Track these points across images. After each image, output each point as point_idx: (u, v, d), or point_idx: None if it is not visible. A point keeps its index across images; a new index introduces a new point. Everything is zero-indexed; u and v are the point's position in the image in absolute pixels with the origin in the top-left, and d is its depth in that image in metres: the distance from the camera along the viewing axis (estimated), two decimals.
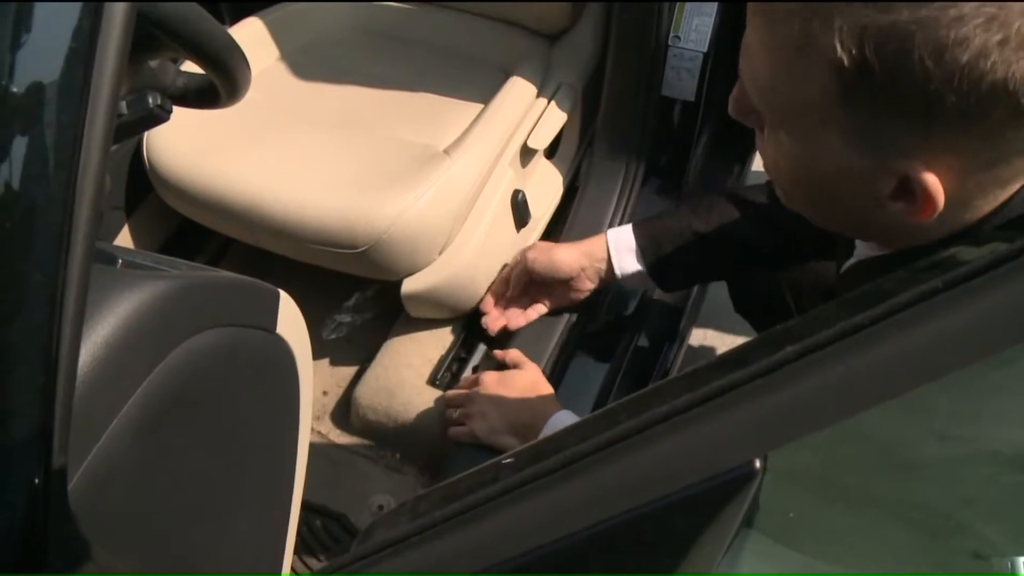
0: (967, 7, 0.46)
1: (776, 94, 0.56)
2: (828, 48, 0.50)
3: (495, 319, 1.24)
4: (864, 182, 0.57)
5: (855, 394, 0.34)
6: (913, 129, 0.51)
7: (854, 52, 0.49)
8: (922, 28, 0.47)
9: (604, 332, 1.30)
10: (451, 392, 1.19)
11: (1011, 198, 0.57)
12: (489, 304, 1.26)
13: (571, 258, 1.17)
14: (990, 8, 0.46)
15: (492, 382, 1.12)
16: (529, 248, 1.21)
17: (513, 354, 1.17)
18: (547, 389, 1.12)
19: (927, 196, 0.54)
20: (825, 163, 0.57)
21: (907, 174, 0.54)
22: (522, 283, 1.22)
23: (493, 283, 1.29)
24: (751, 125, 0.63)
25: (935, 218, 0.56)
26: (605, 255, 1.15)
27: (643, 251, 1.14)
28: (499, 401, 1.10)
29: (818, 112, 0.54)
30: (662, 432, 0.36)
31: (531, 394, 1.10)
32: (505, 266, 1.28)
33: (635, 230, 1.14)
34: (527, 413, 1.07)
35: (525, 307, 1.24)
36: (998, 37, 0.46)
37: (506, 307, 1.25)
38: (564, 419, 1.04)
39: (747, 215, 1.10)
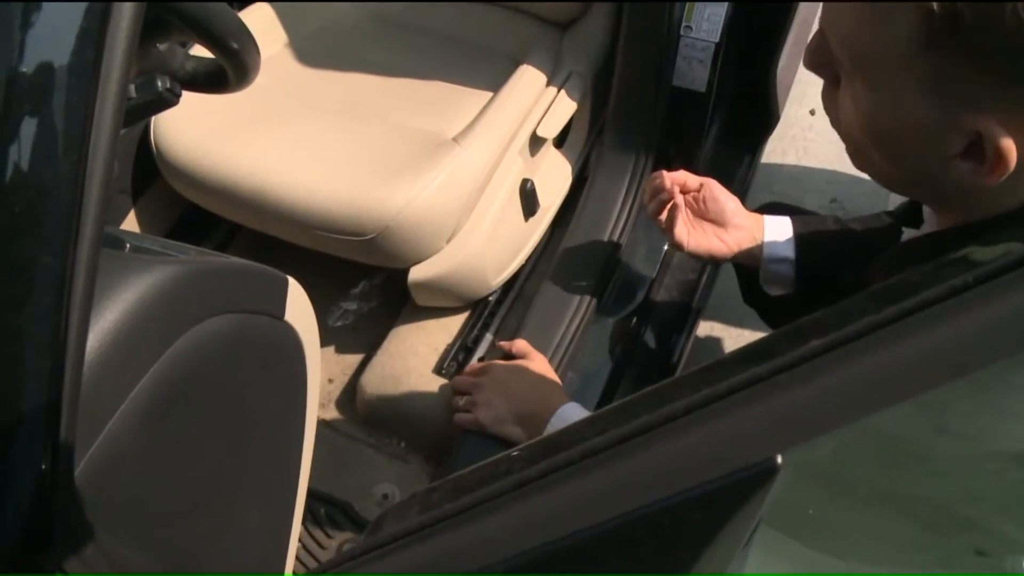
0: None
1: (859, 40, 0.56)
2: None
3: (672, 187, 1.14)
4: (934, 138, 0.56)
5: (881, 390, 0.34)
6: (993, 83, 0.51)
7: None
8: None
9: (611, 323, 1.30)
10: (457, 379, 1.19)
11: None
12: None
13: (741, 215, 1.11)
14: None
15: (499, 371, 1.12)
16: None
17: (520, 344, 1.17)
18: (554, 380, 1.12)
19: (998, 155, 0.53)
20: (897, 115, 0.57)
21: (979, 131, 0.53)
22: (691, 188, 1.14)
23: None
24: (825, 78, 0.62)
25: (1003, 185, 0.55)
26: (761, 233, 1.09)
27: (797, 237, 1.08)
28: (506, 390, 1.09)
29: (899, 59, 0.53)
30: (682, 426, 0.36)
31: (538, 384, 1.10)
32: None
33: (793, 222, 1.09)
34: (534, 403, 1.07)
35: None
36: None
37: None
38: (571, 411, 1.04)
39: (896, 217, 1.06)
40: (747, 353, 0.38)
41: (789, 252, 1.07)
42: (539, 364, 1.13)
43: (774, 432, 0.35)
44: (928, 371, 0.33)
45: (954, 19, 0.49)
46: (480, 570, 0.38)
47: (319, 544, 1.18)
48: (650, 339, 1.31)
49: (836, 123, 0.63)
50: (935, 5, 0.49)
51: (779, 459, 0.34)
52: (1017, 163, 0.53)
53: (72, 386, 0.51)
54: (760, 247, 1.09)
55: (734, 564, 0.42)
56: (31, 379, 0.50)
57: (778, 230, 1.09)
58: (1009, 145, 0.52)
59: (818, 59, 0.61)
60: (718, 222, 1.11)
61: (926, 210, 0.71)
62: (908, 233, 0.74)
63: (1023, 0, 0.47)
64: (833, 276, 1.06)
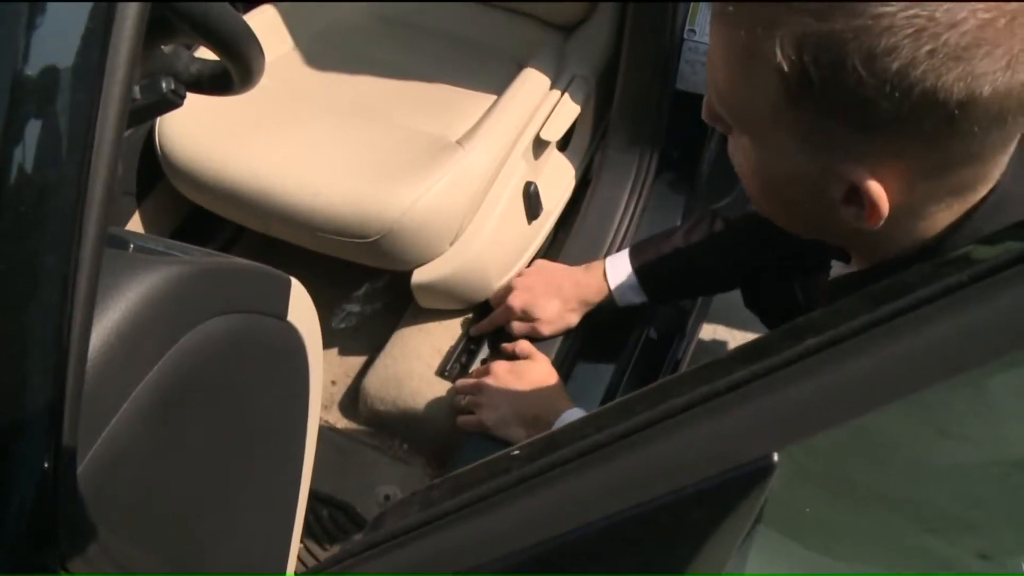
0: (898, 18, 0.47)
1: (732, 99, 0.58)
2: (770, 54, 0.52)
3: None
4: (816, 187, 0.58)
5: (876, 388, 0.34)
6: (854, 135, 0.53)
7: (793, 59, 0.51)
8: (855, 37, 0.48)
9: (613, 326, 1.30)
10: (461, 381, 1.19)
11: (974, 209, 0.59)
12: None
13: (554, 311, 1.19)
14: (920, 20, 0.47)
15: (503, 372, 1.12)
16: (519, 276, 1.22)
17: (523, 345, 1.17)
18: (556, 381, 1.12)
19: (871, 202, 0.55)
20: (780, 167, 0.59)
21: (853, 179, 0.55)
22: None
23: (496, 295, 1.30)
24: (721, 130, 0.64)
25: (892, 227, 0.57)
26: (602, 296, 1.18)
27: (644, 286, 1.17)
28: (510, 392, 1.10)
29: (769, 116, 0.56)
30: (679, 424, 0.36)
31: (541, 385, 1.10)
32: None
33: (633, 264, 1.17)
34: (538, 406, 1.07)
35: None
36: (927, 48, 0.47)
37: None
38: (575, 416, 1.04)
39: (740, 236, 1.12)
40: (744, 352, 0.38)
41: (641, 298, 1.17)
42: (542, 365, 1.14)
43: (771, 430, 0.35)
44: (923, 369, 0.33)
45: (804, 77, 0.51)
46: (479, 567, 0.39)
47: (321, 545, 1.18)
48: (652, 341, 1.31)
49: (737, 171, 0.65)
50: (785, 65, 0.51)
51: (775, 457, 0.34)
52: (903, 205, 0.56)
53: (75, 384, 0.51)
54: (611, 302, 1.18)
55: (734, 565, 0.42)
56: (34, 378, 0.50)
57: (624, 284, 1.17)
58: (879, 191, 0.54)
59: (710, 113, 0.63)
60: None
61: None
62: (837, 267, 0.77)
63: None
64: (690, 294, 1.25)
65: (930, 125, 0.50)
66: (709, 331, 1.76)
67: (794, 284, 1.25)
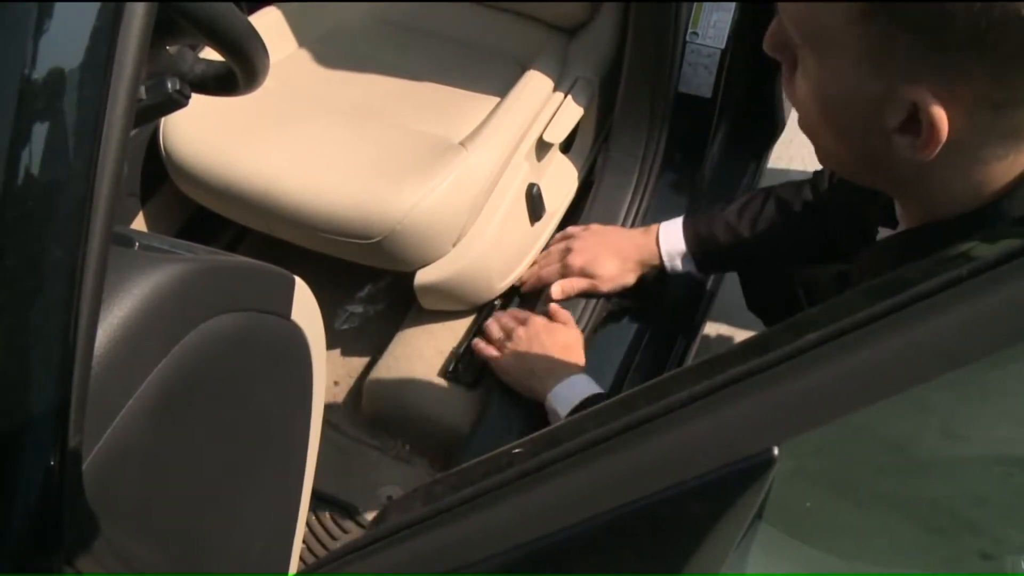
0: None
1: (806, 13, 0.57)
2: None
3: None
4: (874, 110, 0.57)
5: (876, 382, 0.34)
6: (924, 51, 0.52)
7: None
8: None
9: (616, 327, 1.30)
10: (502, 319, 1.24)
11: None
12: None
13: (614, 269, 1.23)
14: None
15: (540, 326, 1.18)
16: (576, 238, 1.27)
17: (564, 315, 1.22)
18: (580, 355, 1.17)
19: (931, 127, 0.54)
20: (841, 86, 0.58)
21: (914, 101, 0.54)
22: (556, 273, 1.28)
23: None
24: (782, 60, 0.63)
25: (945, 169, 0.57)
26: (657, 260, 1.22)
27: (694, 257, 1.21)
28: (542, 345, 1.16)
29: (841, 28, 0.55)
30: (680, 418, 0.36)
31: (565, 353, 1.15)
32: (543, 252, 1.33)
33: (685, 234, 1.20)
34: (554, 365, 1.13)
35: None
36: None
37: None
38: (578, 383, 1.09)
39: (791, 218, 1.14)
40: (744, 346, 0.39)
41: (689, 267, 1.22)
42: (575, 334, 1.19)
43: (771, 424, 0.35)
44: (921, 363, 0.34)
45: None
46: (481, 561, 0.39)
47: (323, 545, 1.18)
48: (655, 342, 1.32)
49: (794, 103, 0.65)
50: None
51: (776, 451, 0.34)
52: (959, 139, 0.54)
53: (81, 381, 0.52)
54: (661, 268, 1.23)
55: (736, 562, 0.43)
56: (40, 374, 0.50)
57: (674, 251, 1.22)
58: (940, 115, 0.53)
59: (775, 41, 0.62)
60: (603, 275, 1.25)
61: (899, 210, 0.73)
62: (883, 232, 0.76)
63: None
64: (737, 268, 1.27)
65: (1005, 49, 0.49)
66: (712, 329, 1.76)
67: (797, 287, 1.25)
